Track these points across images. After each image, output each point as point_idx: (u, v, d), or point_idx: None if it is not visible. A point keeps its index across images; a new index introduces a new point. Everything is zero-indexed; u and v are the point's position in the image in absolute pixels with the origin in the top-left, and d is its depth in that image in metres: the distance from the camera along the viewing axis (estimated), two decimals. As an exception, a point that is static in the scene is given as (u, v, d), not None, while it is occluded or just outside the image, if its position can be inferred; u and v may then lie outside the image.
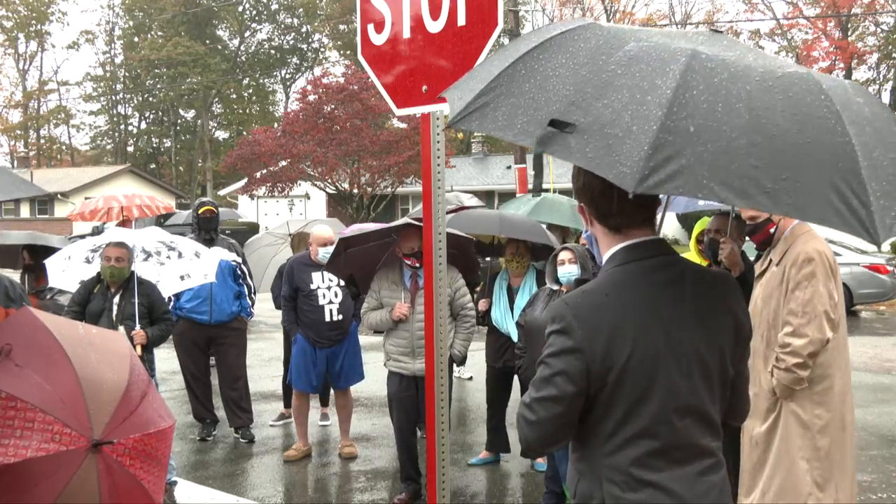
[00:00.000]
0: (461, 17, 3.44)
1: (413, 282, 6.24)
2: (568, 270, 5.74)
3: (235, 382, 8.13)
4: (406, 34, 3.67)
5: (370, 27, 3.84)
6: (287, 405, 8.68)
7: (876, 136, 1.97)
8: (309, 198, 40.65)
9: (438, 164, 3.60)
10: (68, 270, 6.31)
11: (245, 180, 35.68)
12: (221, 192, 47.96)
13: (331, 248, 7.06)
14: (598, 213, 2.27)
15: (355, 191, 34.14)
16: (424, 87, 3.53)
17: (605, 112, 1.85)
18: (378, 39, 3.81)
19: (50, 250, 7.15)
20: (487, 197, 39.46)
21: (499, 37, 3.40)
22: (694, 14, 52.43)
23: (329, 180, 33.65)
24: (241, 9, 63.92)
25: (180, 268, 6.63)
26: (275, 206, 42.80)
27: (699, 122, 1.82)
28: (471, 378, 10.51)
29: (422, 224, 6.25)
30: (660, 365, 2.15)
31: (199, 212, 7.96)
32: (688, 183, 1.79)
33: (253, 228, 34.69)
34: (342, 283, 7.18)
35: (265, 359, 12.16)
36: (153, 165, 66.01)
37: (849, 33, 47.12)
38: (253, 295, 8.18)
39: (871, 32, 48.29)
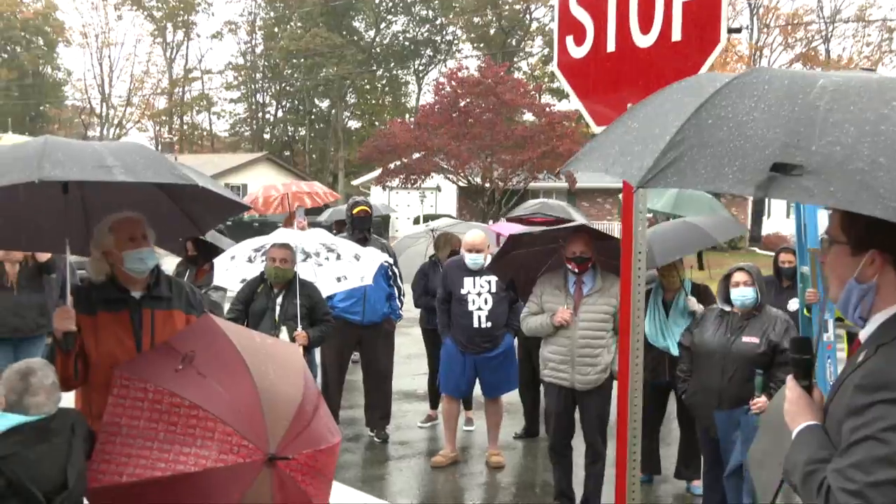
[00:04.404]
0: (676, 31, 3.19)
1: (577, 288, 6.04)
2: (743, 293, 5.46)
3: (382, 384, 8.10)
4: (610, 48, 3.44)
5: (569, 38, 3.63)
6: (433, 406, 8.62)
7: None
8: (440, 190, 40.85)
9: (639, 195, 3.38)
10: (231, 269, 6.40)
11: (379, 171, 36.11)
12: (354, 182, 48.74)
13: (479, 255, 6.95)
14: None
15: (487, 185, 34.09)
16: (630, 105, 3.31)
17: (835, 149, 1.73)
18: (577, 52, 3.60)
19: (213, 248, 7.25)
20: (614, 194, 38.80)
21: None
22: (844, 9, 49.87)
23: (462, 174, 33.71)
24: (377, 0, 64.77)
25: (338, 269, 6.64)
26: (406, 197, 43.18)
27: None
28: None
29: (587, 226, 6.12)
30: None
31: (354, 212, 7.93)
32: None
33: (385, 220, 35.11)
34: (494, 290, 7.04)
35: (404, 355, 12.07)
36: (287, 153, 67.69)
37: None
38: (402, 297, 8.14)
39: None
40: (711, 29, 3.10)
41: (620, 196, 3.80)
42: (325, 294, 6.67)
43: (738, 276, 5.51)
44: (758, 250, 28.20)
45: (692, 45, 3.15)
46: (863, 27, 50.79)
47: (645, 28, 3.30)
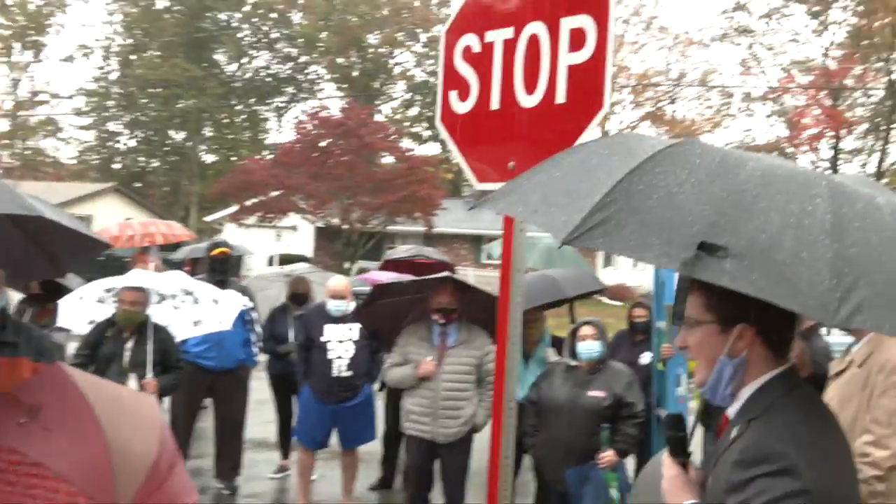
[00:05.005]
0: (560, 94, 3.20)
1: (442, 339, 6.00)
2: (589, 347, 5.53)
3: (235, 433, 7.75)
4: (495, 105, 3.41)
5: (452, 94, 3.60)
6: (285, 456, 8.35)
7: None
8: (297, 230, 40.33)
9: (520, 240, 3.36)
10: (79, 310, 6.02)
11: (235, 208, 35.37)
12: (208, 218, 47.43)
13: (342, 302, 6.82)
14: (776, 335, 2.07)
15: (345, 226, 33.91)
16: (511, 164, 3.27)
17: (760, 236, 1.75)
18: (461, 107, 3.56)
19: (60, 287, 6.81)
20: (476, 241, 39.29)
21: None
22: (689, 73, 52.75)
23: (320, 214, 33.42)
24: (240, 35, 63.87)
25: (195, 313, 6.35)
26: (261, 235, 42.39)
27: (862, 251, 1.77)
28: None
29: (454, 278, 6.10)
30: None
31: (213, 253, 7.62)
32: (872, 317, 1.70)
33: (237, 260, 34.27)
34: (355, 338, 6.90)
35: (254, 401, 11.65)
36: (138, 184, 65.36)
37: (839, 103, 47.51)
38: (260, 342, 7.87)
39: (860, 104, 48.71)
40: (595, 94, 3.12)
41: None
42: (180, 338, 6.37)
43: (585, 330, 5.58)
44: (605, 300, 29.14)
45: (576, 107, 3.16)
46: (706, 91, 53.80)
47: (530, 88, 3.29)
